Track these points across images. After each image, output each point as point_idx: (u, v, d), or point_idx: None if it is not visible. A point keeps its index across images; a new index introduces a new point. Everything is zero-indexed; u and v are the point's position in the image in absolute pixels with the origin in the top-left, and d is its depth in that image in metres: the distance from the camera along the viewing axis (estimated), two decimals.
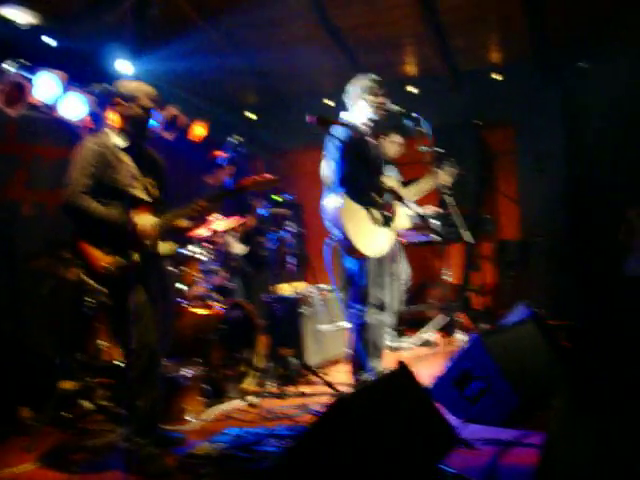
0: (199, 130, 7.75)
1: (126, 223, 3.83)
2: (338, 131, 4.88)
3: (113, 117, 4.02)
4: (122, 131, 4.05)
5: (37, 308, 5.36)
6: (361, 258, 4.95)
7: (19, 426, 4.79)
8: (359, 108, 5.12)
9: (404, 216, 5.29)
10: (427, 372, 4.83)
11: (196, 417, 4.85)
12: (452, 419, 3.86)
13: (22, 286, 5.40)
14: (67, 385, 4.73)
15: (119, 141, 4.01)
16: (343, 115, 5.16)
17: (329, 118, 4.49)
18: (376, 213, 4.99)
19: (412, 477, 2.90)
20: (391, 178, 5.38)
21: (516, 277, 7.64)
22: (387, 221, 4.91)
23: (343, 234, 4.82)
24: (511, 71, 7.96)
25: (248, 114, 9.16)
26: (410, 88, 8.20)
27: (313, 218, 8.12)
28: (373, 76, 5.12)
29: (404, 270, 7.04)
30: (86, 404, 5.03)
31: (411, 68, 8.49)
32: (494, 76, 8.00)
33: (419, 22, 7.29)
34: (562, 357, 4.63)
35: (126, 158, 4.00)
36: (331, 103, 8.51)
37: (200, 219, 4.34)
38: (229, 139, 6.63)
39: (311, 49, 7.86)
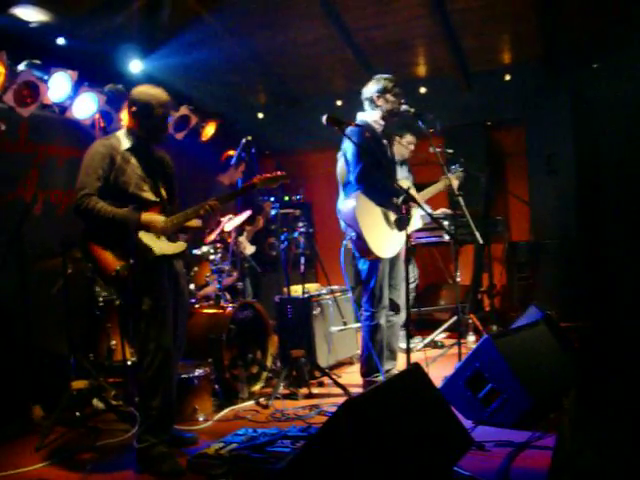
0: (210, 130, 7.76)
1: (134, 218, 3.84)
2: (352, 131, 4.89)
3: (125, 117, 4.04)
4: (134, 133, 4.07)
5: (48, 308, 5.37)
6: (374, 259, 4.95)
7: (31, 425, 4.83)
8: (375, 108, 5.13)
9: (416, 217, 5.29)
10: (438, 373, 4.82)
11: (208, 417, 4.86)
12: (463, 421, 3.84)
13: (33, 286, 5.41)
14: (79, 384, 4.74)
15: (129, 143, 4.03)
16: (360, 115, 5.17)
17: (343, 119, 4.49)
18: (390, 214, 4.99)
19: (426, 479, 2.89)
20: (404, 179, 5.38)
21: (527, 278, 7.60)
22: (401, 222, 4.91)
23: (358, 234, 4.82)
24: (522, 72, 7.92)
25: (259, 114, 9.16)
26: (422, 89, 8.17)
27: (324, 218, 8.14)
28: (390, 76, 5.13)
29: (413, 271, 7.04)
30: (98, 403, 5.05)
31: (422, 69, 8.47)
32: (505, 77, 7.98)
33: (430, 23, 7.27)
34: (574, 359, 4.62)
35: (135, 160, 4.03)
36: (341, 103, 8.51)
37: (212, 220, 4.34)
38: (240, 139, 6.64)
39: (322, 49, 7.86)
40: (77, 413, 4.74)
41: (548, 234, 7.61)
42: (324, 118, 4.31)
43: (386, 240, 4.96)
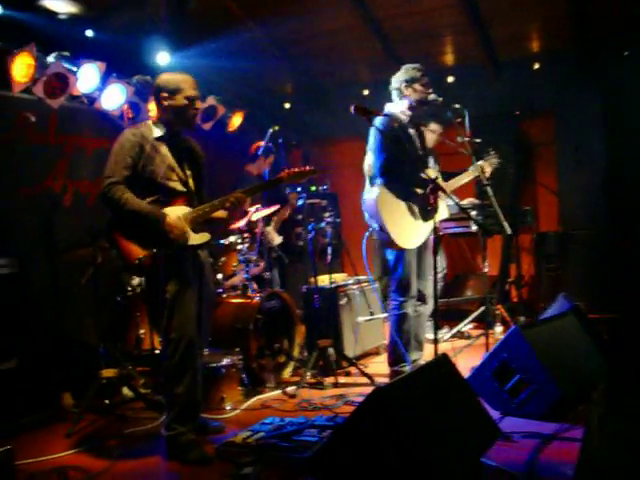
0: (237, 120, 7.78)
1: (157, 216, 3.86)
2: (378, 121, 4.87)
3: (153, 108, 4.04)
4: (163, 122, 4.08)
5: (78, 298, 5.44)
6: (400, 250, 4.94)
7: (61, 413, 4.89)
8: (403, 98, 5.11)
9: (444, 207, 5.26)
10: (465, 364, 4.81)
11: (235, 406, 4.88)
12: (491, 412, 3.82)
13: (63, 276, 5.47)
14: (108, 373, 4.79)
15: (158, 132, 4.04)
16: (387, 106, 5.15)
17: (369, 108, 4.47)
18: (415, 204, 4.97)
19: (453, 470, 2.88)
20: (431, 169, 5.36)
21: (555, 269, 7.53)
22: (428, 213, 4.89)
23: (380, 226, 4.81)
24: (551, 60, 7.83)
25: (285, 104, 9.15)
26: (449, 78, 8.11)
27: (350, 208, 8.12)
28: (418, 66, 5.10)
29: (441, 261, 7.01)
30: (126, 391, 5.11)
31: (450, 57, 8.41)
32: (534, 65, 7.89)
33: (458, 11, 7.21)
34: (603, 350, 4.57)
35: (164, 150, 4.03)
36: (368, 93, 8.48)
37: (238, 211, 4.35)
38: (267, 130, 6.66)
39: (348, 39, 7.83)
40: (106, 401, 4.80)
41: (577, 224, 7.53)
42: (352, 107, 4.29)
43: (410, 231, 4.94)
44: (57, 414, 4.86)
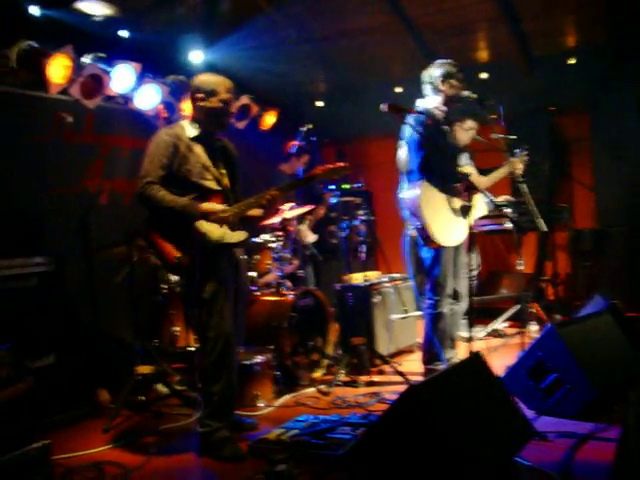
0: (270, 119, 7.81)
1: (192, 208, 3.89)
2: (414, 118, 4.84)
3: (188, 108, 4.07)
4: (197, 122, 4.11)
5: (114, 295, 5.51)
6: (438, 248, 4.91)
7: (97, 408, 4.96)
8: (436, 94, 5.07)
9: (482, 204, 5.22)
10: (500, 363, 4.77)
11: (268, 403, 4.91)
12: (525, 411, 3.79)
13: (100, 274, 5.54)
14: (144, 370, 4.84)
15: (193, 132, 4.07)
16: (419, 102, 5.12)
17: (403, 106, 4.45)
18: (455, 201, 4.94)
19: (487, 469, 2.87)
20: (467, 166, 5.32)
21: (591, 267, 7.45)
22: (465, 210, 4.86)
23: (421, 223, 4.78)
24: (586, 55, 7.73)
25: (318, 103, 9.16)
26: (483, 74, 8.05)
27: (384, 206, 8.11)
28: (452, 62, 5.07)
29: (475, 259, 6.96)
30: (161, 388, 5.16)
31: (483, 53, 8.35)
32: (569, 61, 7.80)
33: (492, 6, 7.15)
34: (639, 349, 4.51)
35: (198, 149, 4.06)
36: (400, 90, 8.45)
37: (273, 209, 4.36)
38: (300, 128, 6.67)
39: (381, 36, 7.81)
40: (142, 397, 4.85)
41: (613, 221, 7.44)
42: (385, 106, 4.27)
43: (451, 228, 4.91)
44: (94, 410, 4.92)
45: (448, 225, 4.91)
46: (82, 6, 5.76)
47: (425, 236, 4.84)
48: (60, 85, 5.30)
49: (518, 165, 5.45)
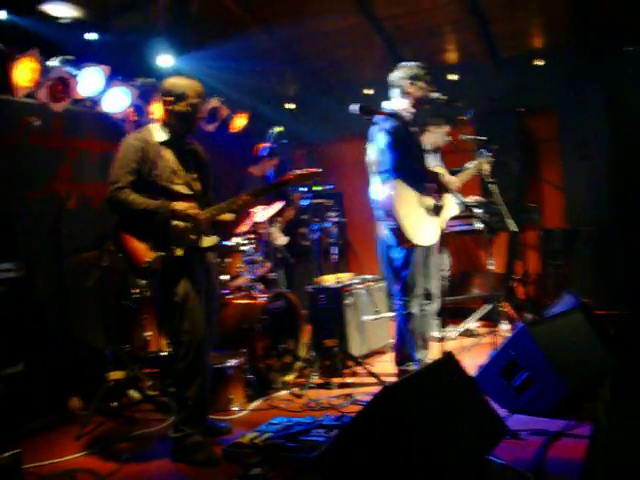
0: (240, 121, 7.79)
1: (165, 208, 3.86)
2: (384, 120, 4.85)
3: (156, 111, 4.04)
4: (166, 126, 4.08)
5: (85, 300, 5.45)
6: (410, 247, 4.91)
7: (69, 415, 4.90)
8: (404, 96, 5.08)
9: (453, 204, 5.25)
10: (472, 362, 4.80)
11: (242, 407, 4.89)
12: (498, 409, 3.82)
13: (70, 279, 5.49)
14: (115, 375, 4.80)
15: (162, 136, 4.05)
16: (386, 104, 5.12)
17: (372, 107, 4.46)
18: (428, 201, 4.95)
19: (461, 468, 2.88)
20: (437, 167, 5.34)
21: (561, 266, 7.52)
22: (437, 209, 4.87)
23: (397, 223, 4.77)
24: (553, 56, 7.80)
25: (288, 105, 9.15)
26: (452, 75, 8.10)
27: (354, 208, 8.13)
28: (420, 64, 5.08)
29: (445, 260, 7.00)
30: (134, 394, 5.12)
31: (452, 55, 8.41)
32: (536, 62, 7.88)
33: (460, 8, 7.21)
34: (610, 347, 4.56)
35: (168, 153, 4.03)
36: (370, 92, 8.47)
37: (244, 213, 4.35)
38: (270, 130, 6.65)
39: (351, 38, 7.83)
40: (114, 403, 4.81)
41: (582, 221, 7.52)
42: (356, 107, 4.27)
43: (425, 228, 4.92)
44: (65, 417, 4.87)
45: (422, 225, 4.92)
46: (49, 9, 5.70)
47: (399, 235, 4.84)
48: (27, 88, 5.24)
49: (484, 166, 5.49)
